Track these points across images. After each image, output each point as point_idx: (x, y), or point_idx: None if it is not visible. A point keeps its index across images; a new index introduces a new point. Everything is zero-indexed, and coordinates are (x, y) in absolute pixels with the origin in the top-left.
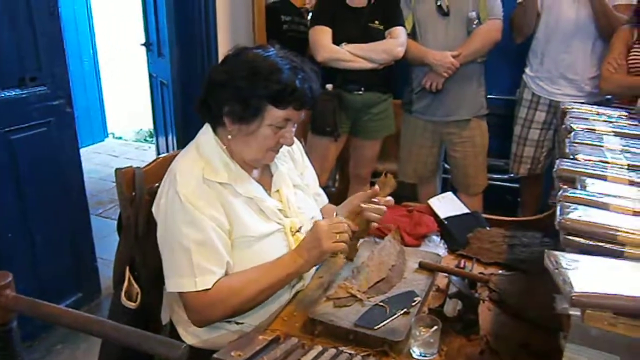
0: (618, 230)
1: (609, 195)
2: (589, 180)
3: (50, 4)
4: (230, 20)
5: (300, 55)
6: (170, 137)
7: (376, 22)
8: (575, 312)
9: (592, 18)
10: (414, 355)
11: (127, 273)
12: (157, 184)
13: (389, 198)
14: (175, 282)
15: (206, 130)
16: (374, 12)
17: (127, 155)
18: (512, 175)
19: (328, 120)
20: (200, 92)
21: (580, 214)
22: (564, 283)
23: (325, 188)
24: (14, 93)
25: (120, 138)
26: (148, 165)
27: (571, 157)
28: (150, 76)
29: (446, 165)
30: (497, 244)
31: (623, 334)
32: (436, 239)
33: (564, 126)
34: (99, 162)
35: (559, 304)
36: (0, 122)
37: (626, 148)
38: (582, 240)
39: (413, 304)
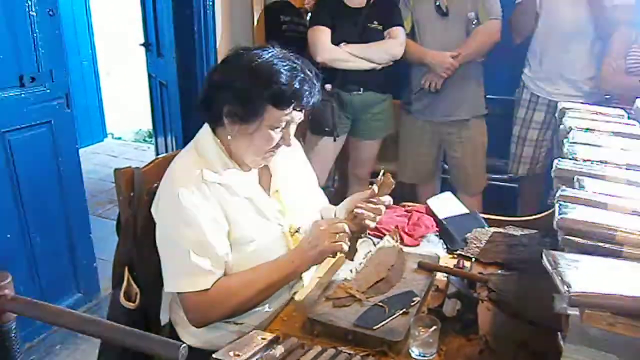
0: (616, 230)
1: (607, 195)
2: (587, 180)
3: (49, 4)
4: (230, 21)
5: (300, 56)
6: (169, 138)
7: (375, 22)
8: (574, 311)
9: (590, 18)
10: (413, 355)
11: (126, 273)
12: (156, 184)
13: (388, 198)
14: (174, 282)
15: (205, 131)
16: (373, 12)
17: (126, 155)
18: (511, 175)
19: (327, 121)
20: (200, 93)
21: (579, 214)
22: (562, 283)
23: (324, 188)
24: (13, 93)
25: (119, 138)
26: (147, 165)
27: (570, 157)
28: (150, 76)
29: (445, 166)
30: (496, 244)
31: (622, 333)
32: (435, 239)
33: (562, 126)
34: (98, 162)
35: (557, 303)
36: None
37: (624, 148)
38: (580, 240)
39: (412, 304)
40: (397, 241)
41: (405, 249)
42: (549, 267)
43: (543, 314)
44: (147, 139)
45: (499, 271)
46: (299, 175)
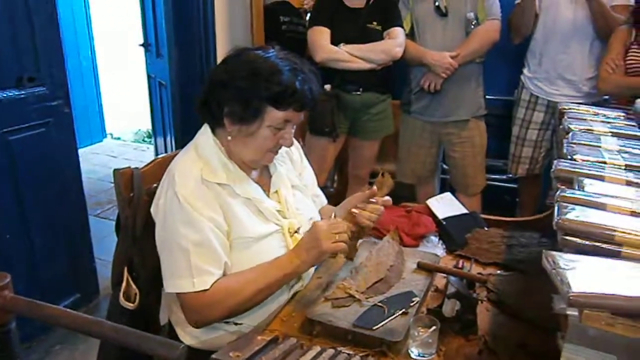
0: (615, 231)
1: (606, 196)
2: (586, 181)
3: (48, 4)
4: (229, 21)
5: (299, 56)
6: (168, 138)
7: (374, 22)
8: (573, 312)
9: (589, 19)
10: (413, 356)
11: (126, 274)
12: (155, 185)
13: (387, 198)
14: (174, 282)
15: (205, 131)
16: (372, 12)
17: (126, 155)
18: (510, 175)
19: (326, 121)
20: (201, 93)
21: (577, 215)
22: (561, 283)
23: (323, 188)
24: (12, 94)
25: (118, 139)
26: (146, 165)
27: (569, 157)
28: (149, 77)
29: (445, 166)
30: (495, 244)
31: (621, 334)
32: (434, 239)
33: (561, 127)
34: (98, 162)
35: (556, 304)
36: None
37: (624, 148)
38: (579, 241)
39: (411, 304)
40: (396, 241)
41: (405, 249)
42: (548, 268)
43: (542, 314)
44: (146, 139)
45: (498, 271)
46: (298, 176)
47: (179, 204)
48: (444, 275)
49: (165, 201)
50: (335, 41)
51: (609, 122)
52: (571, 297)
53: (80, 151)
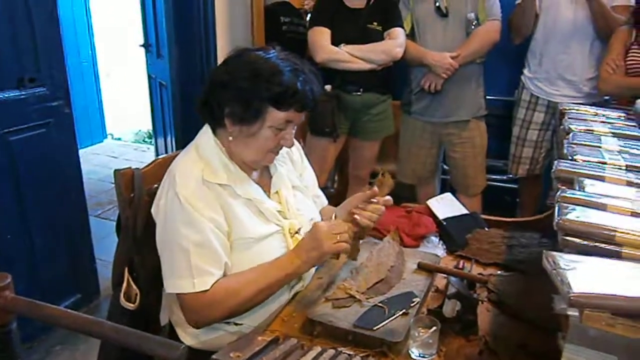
0: (616, 231)
1: (606, 196)
2: (587, 181)
3: (48, 5)
4: (229, 22)
5: (300, 57)
6: (169, 138)
7: (375, 23)
8: (573, 312)
9: (590, 19)
10: (413, 356)
11: (126, 274)
12: (156, 185)
13: (388, 197)
14: (174, 283)
15: (206, 132)
16: (372, 13)
17: (126, 156)
18: (510, 176)
19: (327, 121)
20: (201, 93)
21: (578, 215)
22: (562, 283)
23: (324, 189)
24: (12, 94)
25: (119, 139)
26: (147, 166)
27: (569, 158)
28: (149, 77)
29: (445, 166)
30: (495, 244)
31: (621, 334)
32: (435, 239)
33: (562, 127)
34: (98, 163)
35: (557, 304)
36: None
37: (624, 149)
38: (580, 241)
39: (412, 304)
40: (397, 242)
41: (405, 249)
42: (549, 268)
43: (543, 315)
44: (146, 139)
45: (499, 272)
46: (299, 176)
47: (179, 205)
48: (445, 275)
49: (166, 202)
50: (335, 42)
51: (609, 123)
52: (572, 298)
53: (81, 152)
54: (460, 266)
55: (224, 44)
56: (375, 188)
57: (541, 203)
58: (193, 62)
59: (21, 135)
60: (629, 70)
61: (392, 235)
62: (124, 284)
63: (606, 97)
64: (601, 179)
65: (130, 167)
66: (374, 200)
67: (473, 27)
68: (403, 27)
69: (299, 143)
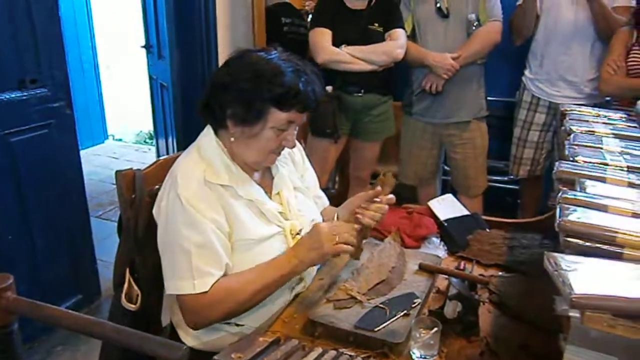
0: (617, 232)
1: (608, 197)
2: (588, 182)
3: (50, 6)
4: (230, 22)
5: (301, 58)
6: (170, 139)
7: (376, 24)
8: (574, 313)
9: (591, 20)
10: (414, 357)
11: (127, 275)
12: (157, 186)
13: (391, 196)
14: (174, 284)
15: (207, 133)
16: (373, 14)
17: (127, 157)
18: (511, 177)
19: (328, 122)
20: (203, 95)
21: (579, 216)
22: (563, 285)
23: (325, 190)
24: (14, 95)
25: (120, 140)
26: (148, 167)
27: (571, 159)
28: (151, 78)
29: (446, 167)
30: (496, 245)
31: (622, 335)
32: (436, 240)
33: (563, 128)
34: (99, 164)
35: (558, 305)
36: (0, 125)
37: (625, 150)
38: (581, 242)
39: (413, 305)
40: (398, 243)
41: (406, 250)
42: (550, 269)
43: (544, 316)
44: (148, 140)
45: (500, 273)
46: (300, 177)
47: (181, 206)
48: (446, 276)
49: (168, 203)
50: (336, 43)
51: (610, 124)
52: (573, 299)
53: (82, 152)
54: (462, 267)
55: (225, 44)
56: (379, 187)
57: (542, 204)
58: (194, 64)
59: (22, 136)
60: (630, 71)
61: (393, 236)
62: (125, 285)
63: (607, 98)
64: (602, 180)
65: (131, 168)
66: (377, 199)
67: (474, 28)
68: (404, 28)
69: (300, 144)
